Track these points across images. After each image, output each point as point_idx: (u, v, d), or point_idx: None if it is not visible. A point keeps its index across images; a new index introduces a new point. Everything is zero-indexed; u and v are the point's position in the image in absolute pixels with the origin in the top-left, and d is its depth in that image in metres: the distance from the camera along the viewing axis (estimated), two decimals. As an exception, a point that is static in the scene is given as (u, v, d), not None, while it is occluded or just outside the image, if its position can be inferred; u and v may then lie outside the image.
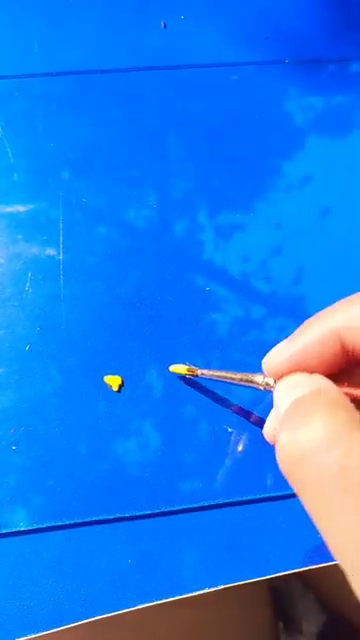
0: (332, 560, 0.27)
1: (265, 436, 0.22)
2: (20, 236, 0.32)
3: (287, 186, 0.34)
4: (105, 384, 0.29)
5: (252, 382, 0.23)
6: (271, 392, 0.22)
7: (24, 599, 0.26)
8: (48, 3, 0.39)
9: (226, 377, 0.26)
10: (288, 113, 0.36)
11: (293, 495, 0.28)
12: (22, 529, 0.27)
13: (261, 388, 0.23)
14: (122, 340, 0.30)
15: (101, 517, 0.27)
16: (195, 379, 0.29)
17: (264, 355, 0.29)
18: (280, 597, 0.48)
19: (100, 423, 0.28)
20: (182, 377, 0.29)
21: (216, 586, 0.26)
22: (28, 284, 0.31)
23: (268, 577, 0.26)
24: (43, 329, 0.30)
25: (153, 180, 0.34)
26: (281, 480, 0.28)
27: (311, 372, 0.19)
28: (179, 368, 0.28)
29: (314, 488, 0.15)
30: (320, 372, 0.19)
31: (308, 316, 0.31)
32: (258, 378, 0.23)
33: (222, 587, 0.26)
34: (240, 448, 0.28)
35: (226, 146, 0.37)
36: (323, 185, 0.34)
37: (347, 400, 0.17)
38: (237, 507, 0.28)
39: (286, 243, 0.33)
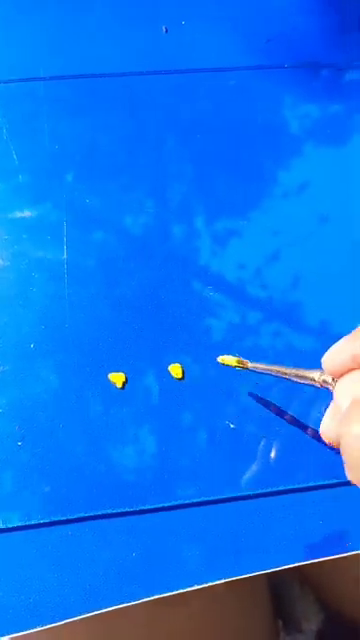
0: (331, 554, 0.28)
1: (322, 435, 0.22)
2: (25, 237, 0.32)
3: (284, 193, 0.35)
4: (109, 382, 0.29)
5: (307, 378, 0.24)
6: (327, 389, 0.22)
7: (28, 593, 0.27)
8: (51, 8, 0.39)
9: (278, 371, 0.26)
10: (285, 120, 0.37)
11: (293, 491, 0.29)
12: (26, 524, 0.27)
13: (317, 385, 0.23)
14: (123, 341, 0.31)
15: (105, 511, 0.27)
16: (188, 383, 0.30)
17: (260, 360, 0.30)
18: (280, 595, 0.48)
19: (104, 420, 0.29)
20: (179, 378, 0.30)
21: (218, 580, 0.27)
22: (33, 284, 0.31)
23: (270, 571, 0.27)
24: (48, 328, 0.30)
25: (152, 184, 0.34)
26: (281, 475, 0.29)
27: None
28: (228, 359, 0.29)
29: None
30: None
31: (304, 323, 0.32)
32: (315, 375, 0.23)
33: (224, 581, 0.27)
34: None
35: (224, 152, 0.38)
36: (320, 192, 0.35)
37: None
38: (240, 502, 0.28)
39: (283, 250, 0.33)
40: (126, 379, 0.30)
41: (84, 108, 0.37)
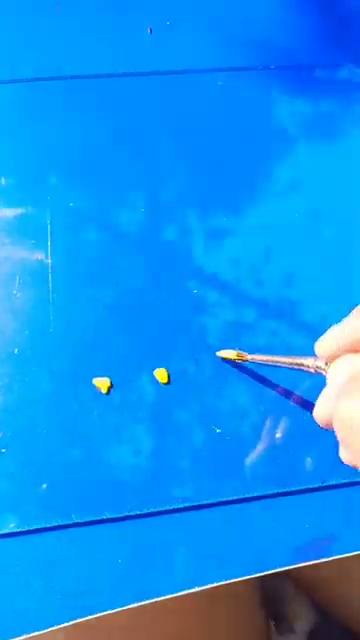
0: (319, 557, 0.28)
1: (315, 417, 0.22)
2: (8, 240, 0.32)
3: (276, 190, 0.35)
4: (94, 387, 0.29)
5: (302, 365, 0.24)
6: (321, 375, 0.23)
7: (15, 601, 0.26)
8: (34, 9, 0.39)
9: (276, 361, 0.26)
10: (275, 118, 0.37)
11: (280, 494, 0.28)
12: (12, 531, 0.27)
13: (312, 371, 0.24)
14: (112, 344, 0.30)
15: (91, 518, 0.27)
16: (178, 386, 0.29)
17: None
18: (271, 597, 0.48)
19: (89, 427, 0.28)
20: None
21: (207, 585, 0.27)
22: (17, 288, 0.31)
23: (259, 575, 0.27)
24: (32, 332, 0.30)
25: (142, 184, 0.34)
26: (267, 479, 0.29)
27: None
28: (227, 353, 0.29)
29: None
30: None
31: (300, 319, 0.32)
32: (309, 361, 0.24)
33: (213, 585, 0.27)
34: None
35: (214, 151, 0.38)
36: (312, 189, 0.35)
37: None
38: (227, 506, 0.28)
39: (276, 247, 0.33)
40: (111, 384, 0.29)
41: (68, 109, 0.36)
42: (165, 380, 0.30)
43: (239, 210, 0.34)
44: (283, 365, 0.26)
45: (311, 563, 0.27)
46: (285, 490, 0.28)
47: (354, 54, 0.42)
